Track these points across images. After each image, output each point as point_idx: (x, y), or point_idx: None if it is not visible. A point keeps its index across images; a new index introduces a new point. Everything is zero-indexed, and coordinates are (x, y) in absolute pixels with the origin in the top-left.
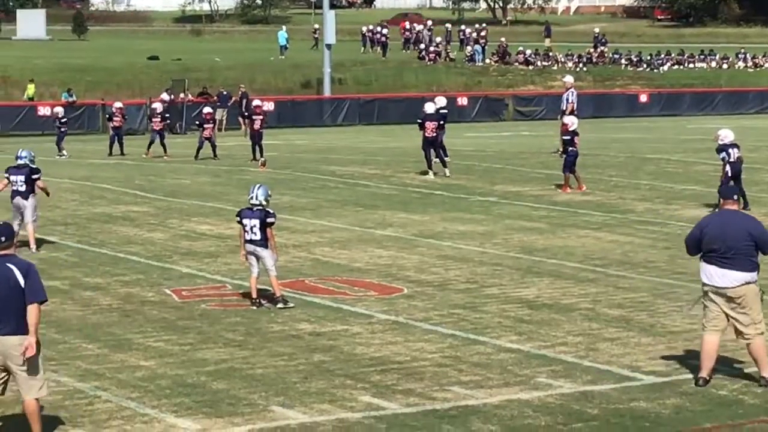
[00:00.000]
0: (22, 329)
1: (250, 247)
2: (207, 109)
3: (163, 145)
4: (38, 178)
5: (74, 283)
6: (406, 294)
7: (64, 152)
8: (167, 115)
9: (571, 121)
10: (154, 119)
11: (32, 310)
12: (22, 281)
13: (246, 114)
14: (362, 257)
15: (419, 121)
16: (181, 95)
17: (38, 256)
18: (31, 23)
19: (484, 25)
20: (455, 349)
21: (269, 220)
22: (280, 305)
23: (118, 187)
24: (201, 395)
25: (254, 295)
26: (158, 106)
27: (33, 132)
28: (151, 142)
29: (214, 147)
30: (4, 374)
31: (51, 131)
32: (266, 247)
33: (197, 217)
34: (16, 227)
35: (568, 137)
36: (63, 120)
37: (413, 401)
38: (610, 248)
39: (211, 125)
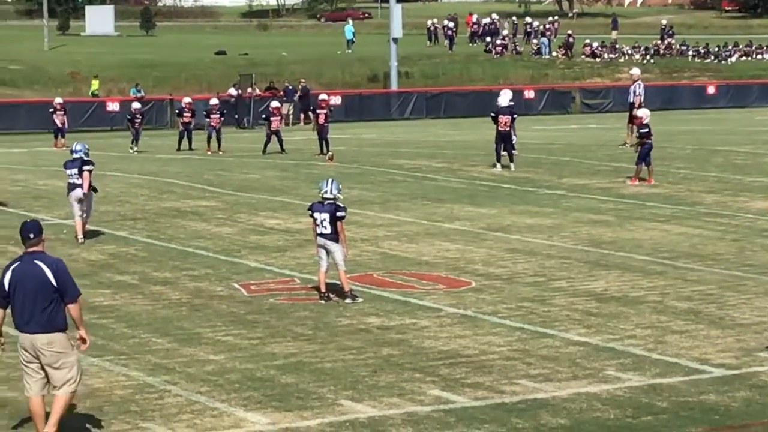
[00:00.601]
0: (51, 326)
1: (321, 240)
2: (274, 104)
3: (219, 140)
4: (89, 170)
5: (143, 277)
6: (474, 287)
7: (136, 147)
8: (224, 111)
9: (645, 114)
10: (212, 115)
11: (73, 310)
12: (52, 279)
13: (311, 108)
14: (430, 251)
15: (493, 114)
16: (249, 90)
17: (108, 251)
18: (99, 19)
19: (556, 18)
20: (524, 342)
21: (339, 213)
22: (348, 300)
23: (187, 182)
24: (270, 389)
25: (323, 289)
26: (215, 102)
27: (101, 128)
28: (209, 138)
29: (281, 141)
30: (42, 372)
31: (119, 126)
32: (336, 241)
33: (265, 211)
34: (76, 218)
35: (645, 130)
36: (138, 116)
37: (482, 395)
38: (678, 241)
39: (278, 119)
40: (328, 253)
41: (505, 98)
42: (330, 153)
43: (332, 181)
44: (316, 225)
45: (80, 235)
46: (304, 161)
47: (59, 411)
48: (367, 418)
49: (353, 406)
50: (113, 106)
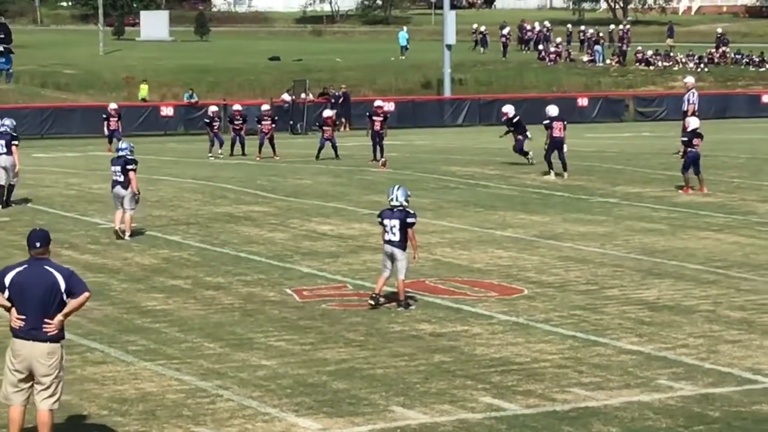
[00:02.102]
0: (54, 336)
1: (388, 248)
2: (327, 113)
3: (272, 146)
4: (132, 169)
5: (196, 282)
6: (526, 295)
7: (217, 153)
8: (276, 117)
9: (689, 122)
10: (263, 122)
11: (79, 298)
12: (62, 283)
13: (367, 114)
14: (482, 258)
15: (546, 122)
16: (302, 96)
17: (162, 256)
18: (154, 25)
19: (619, 27)
20: (575, 350)
21: (409, 220)
22: (400, 308)
23: (240, 187)
24: (322, 395)
25: (377, 291)
26: (266, 108)
27: (155, 132)
28: (261, 144)
29: (335, 148)
30: (29, 383)
31: (172, 131)
32: (404, 248)
33: (318, 217)
34: (117, 216)
35: (686, 138)
36: (216, 119)
37: (533, 402)
38: (731, 250)
39: (330, 127)
40: (393, 260)
41: (554, 109)
42: (383, 159)
43: (399, 187)
44: (386, 231)
45: (117, 226)
46: (357, 167)
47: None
48: (418, 425)
49: (404, 412)
50: (167, 111)
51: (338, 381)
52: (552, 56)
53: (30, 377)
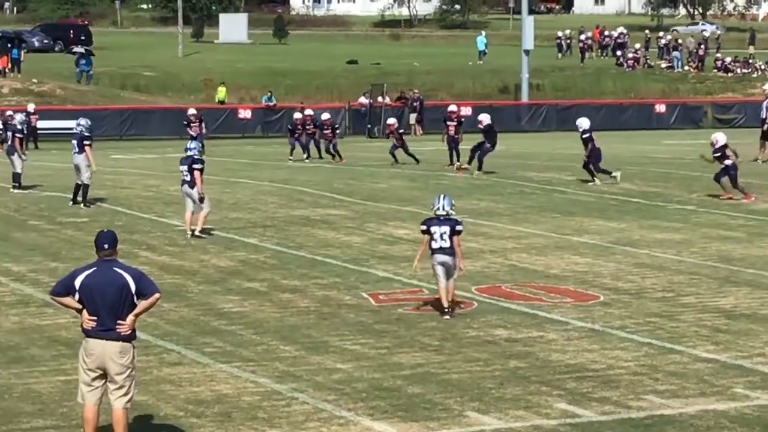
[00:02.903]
0: (126, 336)
1: (440, 257)
2: (390, 120)
3: (336, 152)
4: (198, 169)
5: (272, 285)
6: (602, 301)
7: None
8: (336, 125)
9: (716, 138)
10: (324, 130)
11: (150, 298)
12: (132, 286)
13: (420, 118)
14: (558, 264)
15: (586, 135)
16: (380, 99)
17: (238, 258)
18: (233, 27)
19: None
20: (651, 357)
21: (459, 228)
22: (447, 317)
23: (316, 190)
24: (397, 399)
25: (445, 305)
26: (327, 117)
27: (232, 134)
28: (326, 149)
29: (409, 153)
30: (102, 381)
31: (250, 134)
32: (454, 256)
33: (394, 221)
34: (187, 217)
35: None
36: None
37: (608, 409)
38: None
39: (394, 134)
40: (446, 268)
41: (587, 121)
42: (458, 164)
43: (444, 196)
44: (433, 240)
45: (187, 227)
46: (434, 172)
47: (121, 430)
48: (493, 431)
49: (479, 417)
50: (245, 114)
51: (413, 385)
52: (630, 62)
53: (103, 376)
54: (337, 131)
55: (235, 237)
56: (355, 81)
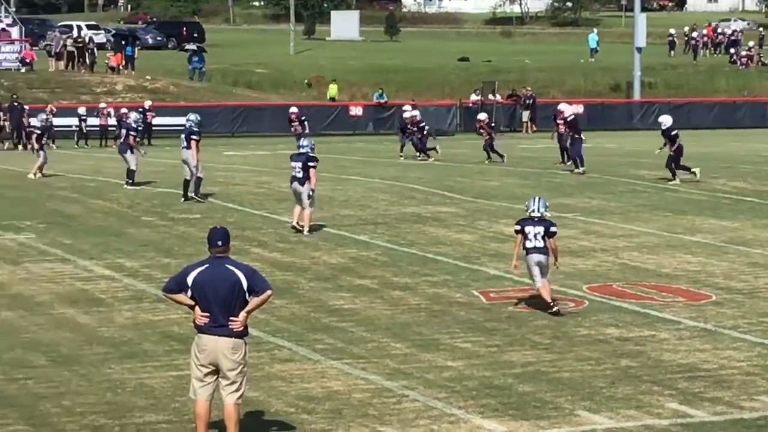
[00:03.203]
0: (238, 332)
1: (535, 257)
2: (481, 116)
3: (423, 150)
4: (313, 166)
5: (383, 282)
6: (714, 301)
7: (429, 153)
8: (423, 124)
9: None
10: (408, 127)
11: (261, 295)
12: (244, 281)
13: (533, 116)
14: (670, 263)
15: (673, 133)
16: (491, 97)
17: (349, 255)
18: (344, 24)
19: None
20: (764, 358)
21: (553, 229)
22: (555, 308)
23: (427, 187)
24: (507, 397)
25: (551, 303)
26: (408, 116)
27: (343, 131)
28: (415, 148)
29: (496, 152)
30: (214, 377)
31: (361, 131)
32: (548, 255)
33: (505, 219)
34: (296, 212)
35: None
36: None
37: (721, 410)
38: None
39: (485, 131)
40: (541, 267)
41: (670, 118)
42: (569, 162)
43: (539, 199)
44: (527, 239)
45: (296, 222)
46: (546, 170)
47: (235, 427)
48: (603, 430)
49: (590, 417)
50: (356, 111)
51: (524, 384)
52: (744, 60)
53: (215, 372)
54: (425, 129)
55: (346, 234)
56: (467, 78)
